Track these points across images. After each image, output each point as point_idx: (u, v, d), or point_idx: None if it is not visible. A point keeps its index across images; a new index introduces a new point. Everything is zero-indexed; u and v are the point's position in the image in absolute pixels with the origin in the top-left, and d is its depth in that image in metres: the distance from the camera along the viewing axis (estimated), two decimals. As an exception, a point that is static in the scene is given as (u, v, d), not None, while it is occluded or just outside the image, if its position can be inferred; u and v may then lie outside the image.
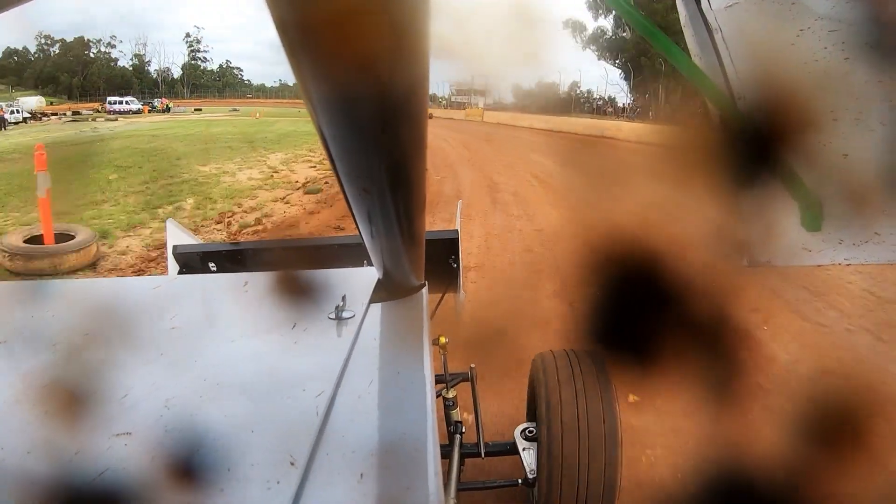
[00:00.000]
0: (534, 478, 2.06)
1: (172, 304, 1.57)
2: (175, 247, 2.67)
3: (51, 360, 1.21)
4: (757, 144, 1.10)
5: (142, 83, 77.76)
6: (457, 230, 2.74)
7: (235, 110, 49.27)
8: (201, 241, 2.98)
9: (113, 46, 78.46)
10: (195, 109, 53.94)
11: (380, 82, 0.52)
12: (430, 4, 0.47)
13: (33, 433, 0.96)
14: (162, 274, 2.75)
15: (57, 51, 75.40)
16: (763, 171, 1.16)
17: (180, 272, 2.64)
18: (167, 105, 52.90)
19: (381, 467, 0.91)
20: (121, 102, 49.28)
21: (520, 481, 2.15)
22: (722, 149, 1.12)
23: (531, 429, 2.15)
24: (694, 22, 1.33)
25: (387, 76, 0.51)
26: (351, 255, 2.26)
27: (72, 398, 1.03)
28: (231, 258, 2.62)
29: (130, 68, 79.03)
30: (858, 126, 1.16)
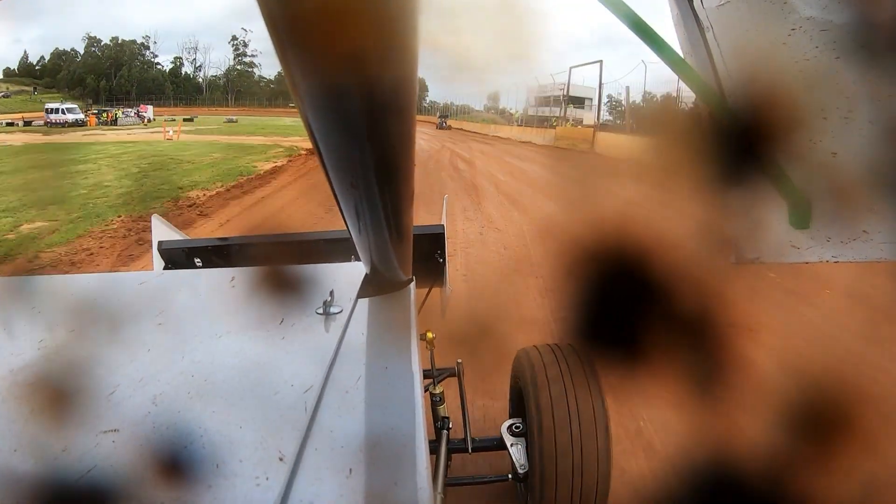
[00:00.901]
0: (524, 472, 2.07)
1: (158, 299, 1.57)
2: (160, 242, 2.66)
3: (36, 356, 1.20)
4: (746, 142, 1.11)
5: (178, 88, 72.87)
6: (443, 225, 2.74)
7: (232, 120, 45.55)
8: (186, 237, 2.97)
9: (147, 48, 73.25)
10: (185, 119, 48.16)
11: (368, 76, 0.51)
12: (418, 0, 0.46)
13: (19, 431, 0.95)
14: (147, 269, 2.75)
15: (97, 52, 70.85)
16: (752, 169, 1.16)
17: (166, 268, 2.63)
18: (115, 116, 44.42)
19: (369, 462, 0.91)
20: (57, 111, 39.53)
21: (510, 476, 2.16)
22: (711, 146, 1.13)
23: (517, 424, 2.16)
24: (685, 19, 1.33)
25: (375, 70, 0.50)
26: (339, 250, 2.26)
27: (58, 395, 1.02)
28: (217, 253, 2.61)
29: (166, 72, 73.66)
30: (847, 124, 1.17)
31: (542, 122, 35.99)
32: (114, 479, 0.82)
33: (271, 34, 0.46)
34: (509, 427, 2.17)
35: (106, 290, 1.68)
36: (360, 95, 0.56)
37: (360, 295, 1.49)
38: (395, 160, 0.77)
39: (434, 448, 1.97)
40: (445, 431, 2.11)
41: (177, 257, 2.64)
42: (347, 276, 1.57)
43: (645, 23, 1.19)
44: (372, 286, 1.52)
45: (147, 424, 0.96)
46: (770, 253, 1.48)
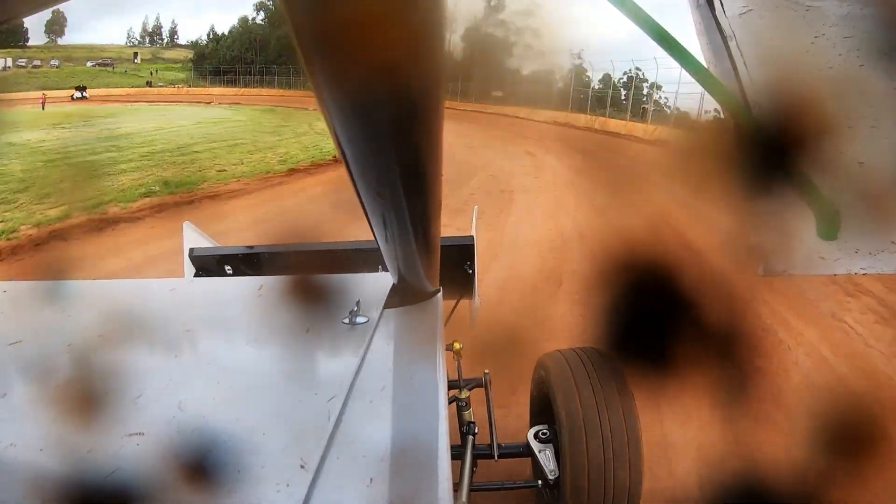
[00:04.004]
0: (555, 478, 2.06)
1: (188, 306, 1.59)
2: (191, 249, 2.70)
3: (66, 359, 1.23)
4: (772, 152, 1.10)
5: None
6: (472, 236, 2.73)
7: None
8: (217, 245, 3.01)
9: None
10: (77, 89, 37.51)
11: (395, 87, 0.52)
12: (446, 8, 0.47)
13: (47, 431, 0.97)
14: (178, 276, 2.79)
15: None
16: (778, 179, 1.15)
17: (196, 275, 2.66)
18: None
19: (390, 472, 0.91)
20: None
21: (540, 483, 2.15)
22: (737, 156, 1.12)
23: (544, 431, 2.15)
24: (708, 29, 1.32)
25: (402, 80, 0.51)
26: (366, 259, 2.26)
27: (86, 398, 1.04)
28: (247, 262, 2.64)
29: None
30: (874, 133, 1.15)
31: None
32: (137, 481, 0.84)
33: (298, 45, 0.47)
34: (535, 434, 2.16)
35: (137, 296, 1.71)
36: (387, 105, 0.56)
37: (387, 305, 1.49)
38: (421, 170, 0.77)
39: (459, 454, 1.96)
40: (471, 437, 2.10)
41: (207, 265, 2.67)
42: (374, 286, 1.58)
43: (667, 32, 1.19)
44: (399, 296, 1.52)
45: (172, 428, 0.97)
46: (798, 265, 1.46)
